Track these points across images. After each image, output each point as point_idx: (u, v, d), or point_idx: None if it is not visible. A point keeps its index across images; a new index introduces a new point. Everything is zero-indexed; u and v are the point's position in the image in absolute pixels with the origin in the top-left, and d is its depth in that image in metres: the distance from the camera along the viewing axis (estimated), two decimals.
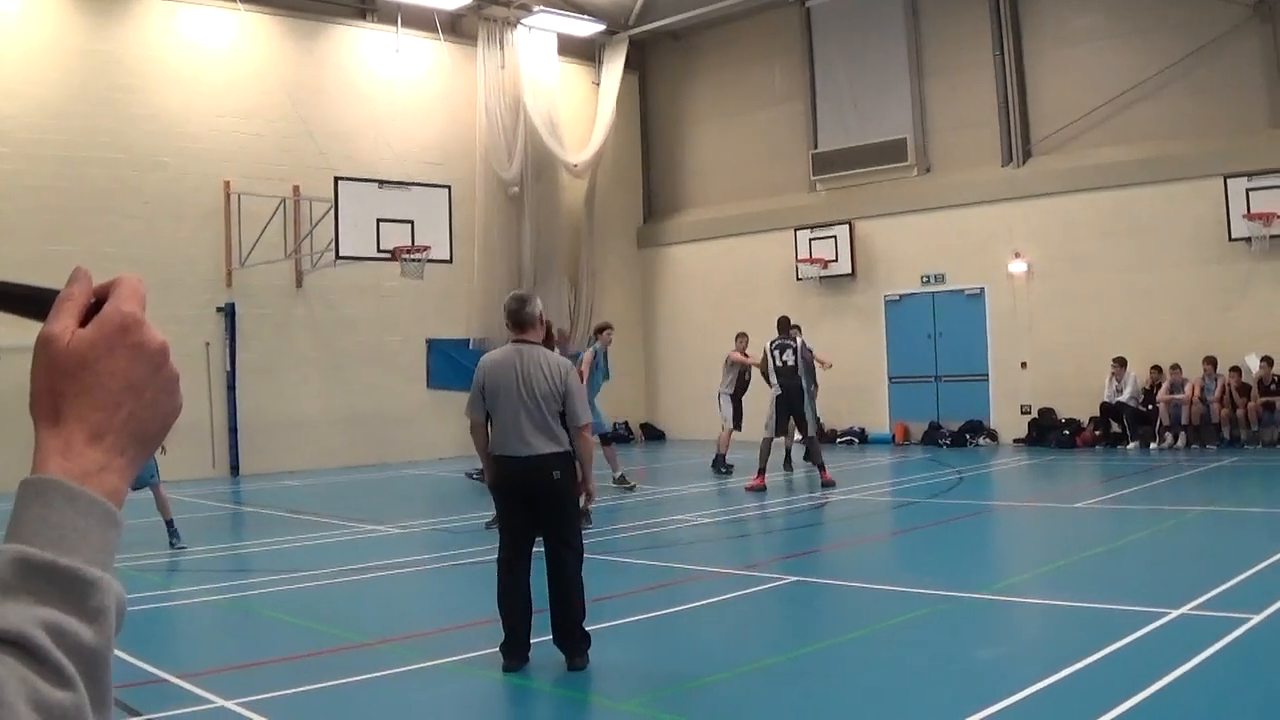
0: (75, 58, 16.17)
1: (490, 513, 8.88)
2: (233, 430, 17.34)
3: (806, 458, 14.19)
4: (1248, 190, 15.93)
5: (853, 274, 20.34)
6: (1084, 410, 17.63)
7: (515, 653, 5.76)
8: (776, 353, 13.66)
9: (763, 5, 21.31)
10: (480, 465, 6.54)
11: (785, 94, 21.81)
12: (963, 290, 19.25)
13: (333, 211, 15.78)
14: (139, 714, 4.97)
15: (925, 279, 19.70)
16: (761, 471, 13.26)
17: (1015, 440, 18.30)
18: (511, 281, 19.68)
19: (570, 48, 22.26)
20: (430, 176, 18.22)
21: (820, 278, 20.64)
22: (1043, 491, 13.48)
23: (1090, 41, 18.15)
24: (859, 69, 20.66)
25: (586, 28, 21.83)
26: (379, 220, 15.94)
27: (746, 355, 15.19)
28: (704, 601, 7.42)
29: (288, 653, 6.32)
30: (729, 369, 15.43)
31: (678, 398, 22.80)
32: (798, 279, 20.91)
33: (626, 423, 22.68)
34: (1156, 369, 16.73)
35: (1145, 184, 17.17)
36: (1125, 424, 17.02)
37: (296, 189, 17.90)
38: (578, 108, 22.44)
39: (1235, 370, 16.09)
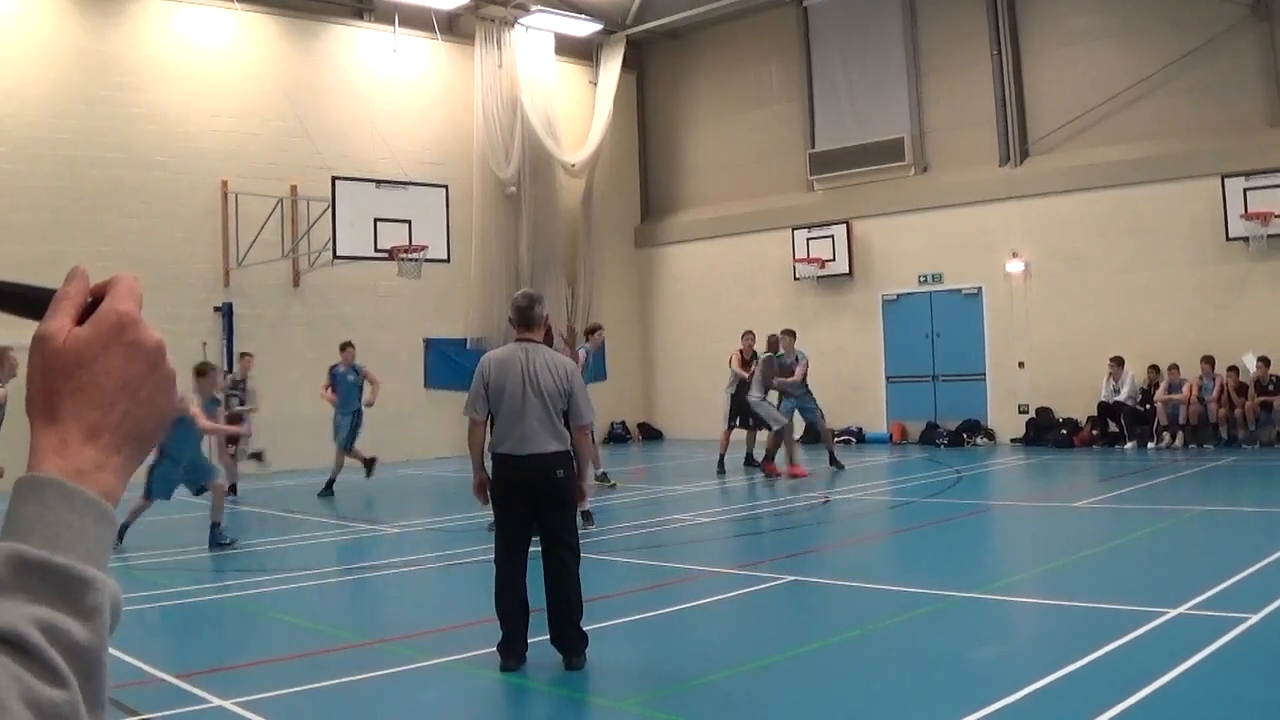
0: (73, 57, 16.16)
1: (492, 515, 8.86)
2: None
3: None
4: (1245, 189, 15.95)
5: (850, 273, 20.34)
6: (1081, 410, 17.64)
7: (513, 652, 5.75)
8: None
9: (760, 5, 21.30)
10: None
11: (782, 93, 21.81)
12: (960, 290, 19.26)
13: (330, 211, 15.80)
14: (137, 714, 4.96)
15: (923, 278, 19.70)
16: (792, 460, 14.40)
17: (1013, 440, 18.30)
18: (509, 281, 19.68)
19: (567, 47, 22.26)
20: (427, 176, 18.20)
21: (818, 277, 20.65)
22: (1040, 491, 13.48)
23: (1087, 41, 18.15)
24: (856, 68, 20.66)
25: (584, 27, 21.82)
26: (376, 220, 15.97)
27: (748, 368, 15.39)
28: (702, 601, 7.41)
29: (285, 652, 6.31)
30: (731, 370, 15.91)
31: (675, 397, 22.81)
32: (795, 278, 20.92)
33: (624, 422, 22.69)
34: (1154, 368, 16.73)
35: (1143, 183, 17.17)
36: (1123, 424, 17.02)
37: (294, 188, 17.90)
38: (575, 107, 22.44)
39: (1233, 370, 16.10)
